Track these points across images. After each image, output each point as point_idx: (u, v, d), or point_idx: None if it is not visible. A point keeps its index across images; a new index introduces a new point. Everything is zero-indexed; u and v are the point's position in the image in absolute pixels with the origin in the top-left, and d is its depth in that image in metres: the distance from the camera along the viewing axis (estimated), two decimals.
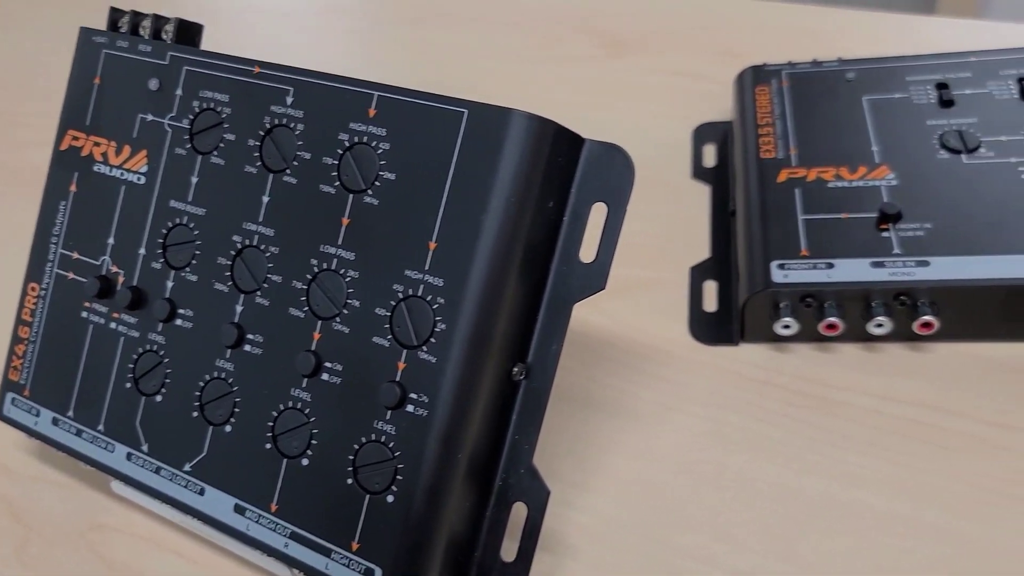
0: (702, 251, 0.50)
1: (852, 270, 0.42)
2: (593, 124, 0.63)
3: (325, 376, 0.35)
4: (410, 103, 0.35)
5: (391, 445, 0.34)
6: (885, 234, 0.43)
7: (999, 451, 0.39)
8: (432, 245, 0.34)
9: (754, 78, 0.55)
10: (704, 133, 0.57)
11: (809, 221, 0.45)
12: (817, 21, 0.67)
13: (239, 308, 0.37)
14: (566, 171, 0.35)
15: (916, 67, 0.52)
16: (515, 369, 0.35)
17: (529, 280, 0.35)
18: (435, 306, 0.34)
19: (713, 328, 0.46)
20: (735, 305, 0.46)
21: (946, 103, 0.50)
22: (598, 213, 0.35)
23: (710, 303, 0.47)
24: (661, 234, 0.52)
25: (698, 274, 0.49)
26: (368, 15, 0.78)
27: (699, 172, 0.55)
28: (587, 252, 0.36)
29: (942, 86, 0.51)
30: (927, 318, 0.41)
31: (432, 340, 0.34)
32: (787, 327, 0.43)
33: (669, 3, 0.71)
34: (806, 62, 0.55)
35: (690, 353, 0.45)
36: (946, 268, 0.41)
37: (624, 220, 0.35)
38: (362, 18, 0.78)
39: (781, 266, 0.43)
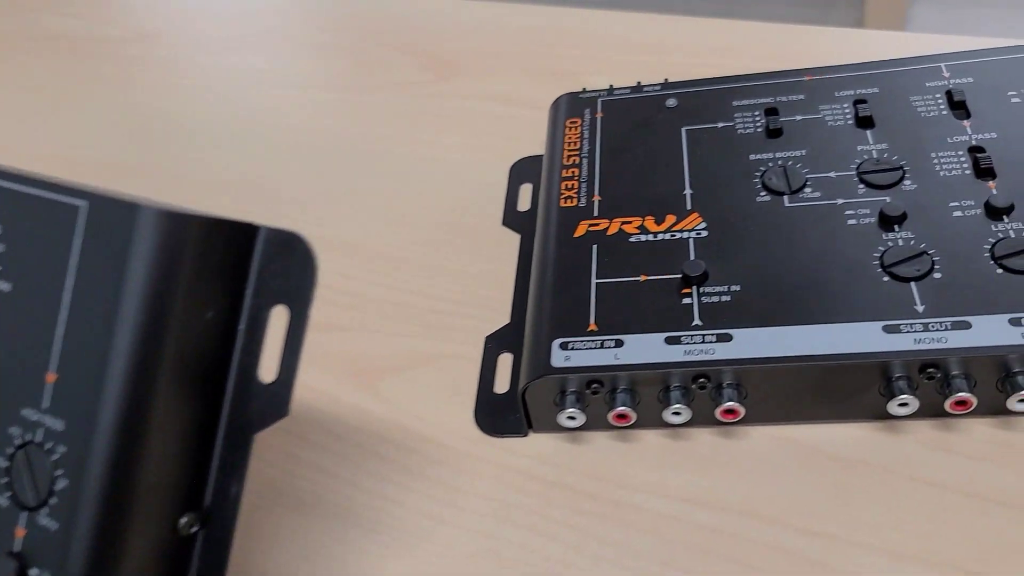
0: (502, 316, 0.43)
1: (644, 348, 0.35)
2: (411, 161, 0.56)
3: None
4: (21, 192, 0.27)
5: None
6: (686, 300, 0.37)
7: (809, 566, 0.32)
8: (51, 377, 0.27)
9: (567, 108, 0.48)
10: (521, 170, 0.50)
11: (603, 286, 0.38)
12: (682, 34, 0.60)
13: None
14: (232, 270, 0.28)
15: (745, 89, 0.46)
16: (183, 520, 0.28)
17: (194, 408, 0.28)
18: (55, 456, 0.26)
19: (501, 415, 0.39)
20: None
21: (773, 132, 0.43)
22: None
23: (503, 383, 0.40)
24: (459, 295, 0.45)
25: (493, 345, 0.42)
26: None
27: (511, 218, 0.48)
28: (271, 367, 0.29)
29: (771, 112, 0.44)
30: (730, 404, 0.34)
31: (53, 500, 0.26)
32: (572, 418, 0.36)
33: (507, 19, 0.64)
34: (627, 87, 0.48)
35: (473, 447, 0.38)
36: (751, 343, 0.35)
37: (307, 325, 0.28)
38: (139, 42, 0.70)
39: (564, 345, 0.36)
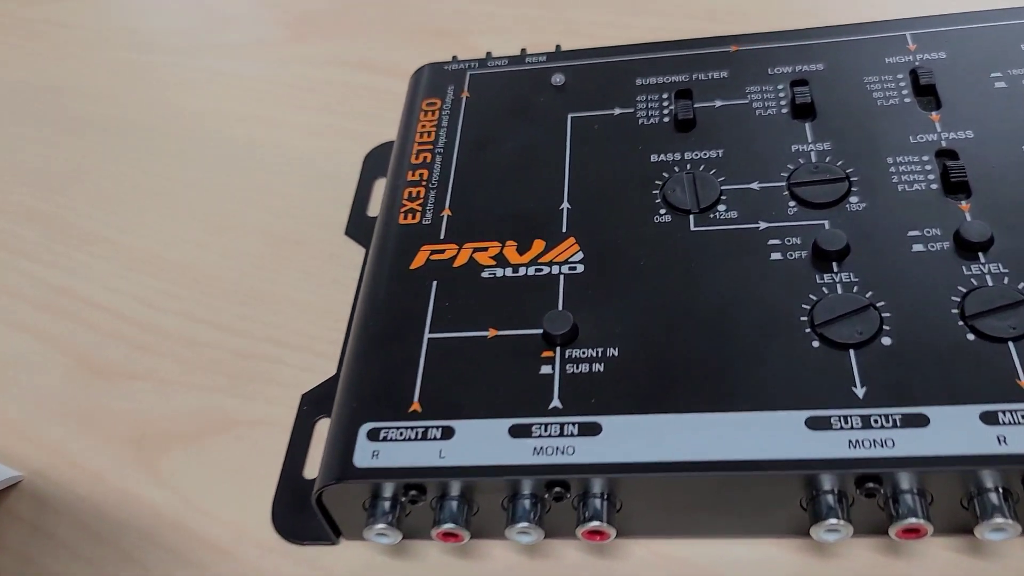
0: (329, 365, 0.33)
1: (480, 442, 0.25)
2: (239, 146, 0.42)
3: None
4: None
5: None
6: (546, 370, 0.27)
7: None
8: None
9: (429, 83, 0.37)
10: (379, 161, 0.40)
11: (437, 344, 0.28)
12: None
13: None
14: None
15: (654, 63, 0.35)
16: None
17: None
18: None
19: (307, 512, 0.29)
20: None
21: (684, 124, 0.33)
22: None
23: (316, 462, 0.30)
24: (279, 332, 0.34)
25: (310, 407, 0.32)
26: None
27: (356, 226, 0.38)
28: None
29: (683, 95, 0.34)
30: (595, 525, 0.25)
31: None
32: (383, 535, 0.26)
33: None
34: (505, 57, 0.37)
35: (268, 559, 0.29)
36: (625, 439, 0.25)
37: None
38: None
39: (374, 434, 0.26)
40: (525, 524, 0.25)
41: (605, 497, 0.25)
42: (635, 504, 0.25)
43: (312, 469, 0.30)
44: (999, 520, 0.23)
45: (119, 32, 0.52)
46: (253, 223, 0.39)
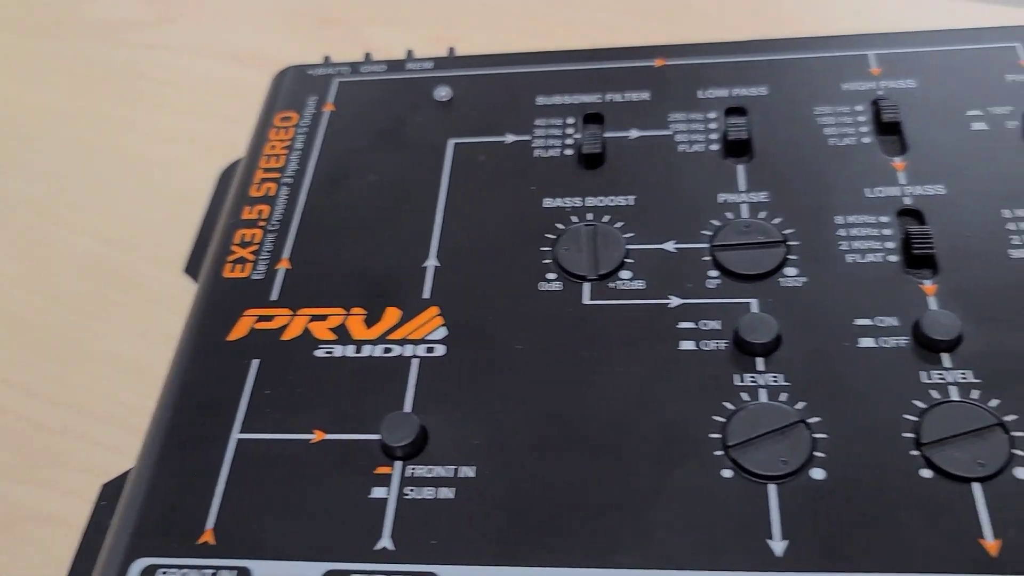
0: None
1: None
2: (73, 154, 0.35)
3: None
4: None
5: None
6: (379, 493, 0.21)
7: None
8: None
9: (291, 91, 0.30)
10: (232, 182, 0.33)
11: (248, 448, 0.22)
12: None
13: None
14: None
15: (560, 77, 0.29)
16: None
17: None
18: None
19: None
20: None
21: (591, 159, 0.26)
22: None
23: None
24: (88, 399, 0.28)
25: (110, 502, 0.25)
26: None
27: (198, 263, 0.31)
28: None
29: (593, 119, 0.27)
30: None
31: None
32: None
33: None
34: (383, 61, 0.30)
35: None
36: None
37: None
38: None
39: (150, 572, 0.20)
40: None
41: None
42: None
43: None
44: None
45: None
46: (78, 253, 0.32)
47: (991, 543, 0.18)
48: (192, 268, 0.31)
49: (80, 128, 0.36)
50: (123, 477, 0.26)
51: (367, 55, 0.31)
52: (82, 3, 0.43)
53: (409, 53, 0.31)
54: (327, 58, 0.31)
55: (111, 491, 0.25)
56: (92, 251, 0.32)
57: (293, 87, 0.30)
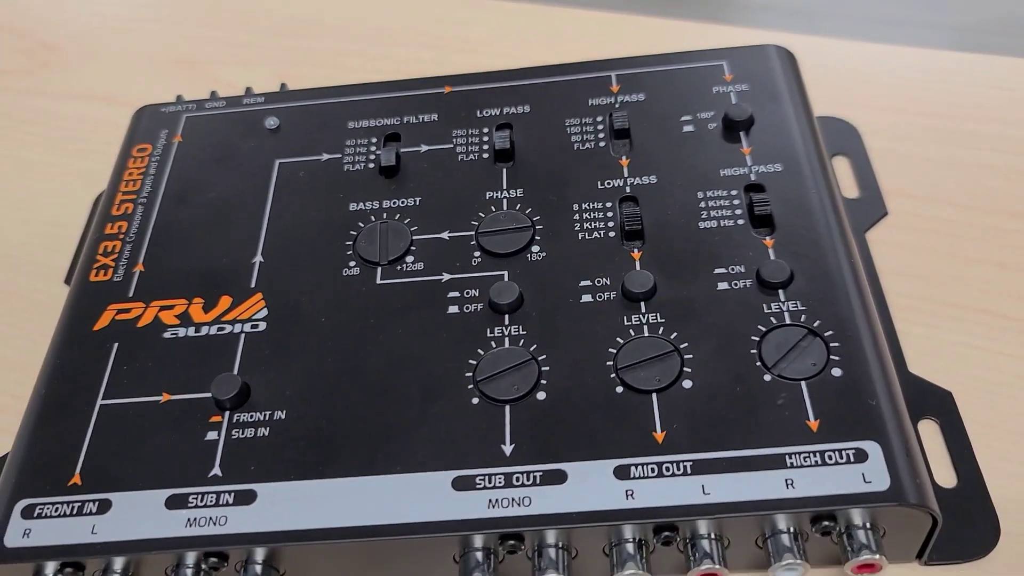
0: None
1: (135, 515, 0.25)
2: None
3: None
4: None
5: None
6: (211, 435, 0.26)
7: None
8: None
9: (146, 126, 0.36)
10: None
11: (109, 411, 0.27)
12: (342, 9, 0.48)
13: None
14: None
15: (367, 105, 0.35)
16: None
17: None
18: None
19: None
20: None
21: (388, 170, 0.33)
22: None
23: None
24: None
25: None
26: None
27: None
28: None
29: (392, 138, 0.34)
30: None
31: None
32: None
33: None
34: (224, 98, 0.36)
35: None
36: (278, 507, 0.25)
37: None
38: None
39: (29, 511, 0.26)
40: None
41: (264, 565, 0.25)
42: (301, 571, 0.25)
43: None
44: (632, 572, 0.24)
45: None
46: None
47: (659, 434, 0.25)
48: (71, 279, 0.36)
49: None
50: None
51: (212, 93, 0.37)
52: None
53: (248, 90, 0.37)
54: (179, 97, 0.37)
55: None
56: None
57: (148, 123, 0.36)
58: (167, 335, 0.29)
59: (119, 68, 0.45)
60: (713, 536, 0.24)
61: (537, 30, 0.44)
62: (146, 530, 0.25)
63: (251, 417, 0.27)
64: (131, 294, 0.30)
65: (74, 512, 0.25)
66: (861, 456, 0.24)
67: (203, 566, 0.25)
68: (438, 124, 0.34)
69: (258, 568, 0.25)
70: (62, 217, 0.38)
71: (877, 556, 0.23)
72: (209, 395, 0.27)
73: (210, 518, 0.25)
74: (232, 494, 0.25)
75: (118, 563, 0.25)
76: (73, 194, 0.39)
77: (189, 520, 0.25)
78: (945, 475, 0.27)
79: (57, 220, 0.38)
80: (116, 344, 0.29)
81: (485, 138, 0.33)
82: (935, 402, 0.29)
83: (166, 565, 0.25)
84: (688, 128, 0.32)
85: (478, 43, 0.43)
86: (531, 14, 0.46)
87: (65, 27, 0.48)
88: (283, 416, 0.27)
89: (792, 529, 0.24)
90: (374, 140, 0.34)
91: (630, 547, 0.24)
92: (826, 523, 0.24)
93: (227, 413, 0.27)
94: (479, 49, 0.42)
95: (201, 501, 0.25)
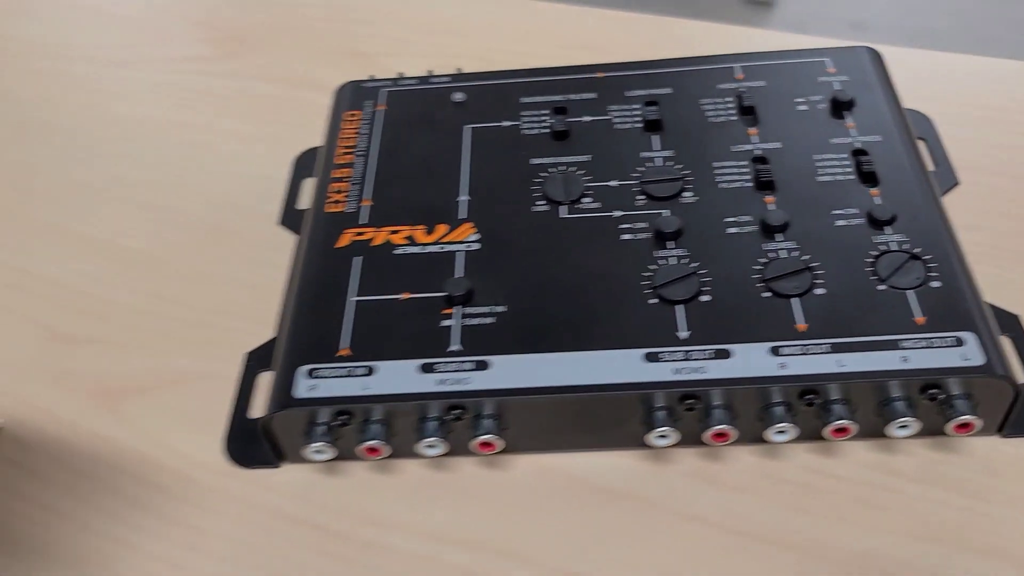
0: (269, 329, 0.40)
1: (396, 377, 0.33)
2: (179, 148, 0.49)
3: None
4: None
5: None
6: (446, 323, 0.34)
7: None
8: None
9: (350, 98, 0.44)
10: (306, 163, 0.46)
11: (362, 305, 0.35)
12: (483, 15, 0.56)
13: None
14: None
15: (535, 85, 0.43)
16: None
17: None
18: None
19: (254, 444, 0.35)
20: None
21: (559, 135, 0.41)
22: None
23: (260, 406, 0.37)
24: (223, 305, 0.41)
25: (254, 363, 0.38)
26: None
27: (289, 217, 0.44)
28: None
29: (560, 111, 0.42)
30: (487, 437, 0.32)
31: None
32: (320, 452, 0.33)
33: None
34: (415, 77, 0.45)
35: (221, 480, 0.35)
36: (509, 372, 0.32)
37: None
38: None
39: (312, 373, 0.33)
40: (432, 439, 0.32)
41: (494, 417, 0.32)
42: (517, 424, 0.33)
43: (257, 411, 0.37)
44: (782, 425, 0.31)
45: (56, 46, 0.57)
46: (194, 215, 0.45)
47: (802, 326, 0.32)
48: (286, 220, 0.44)
49: (181, 133, 0.49)
50: (261, 347, 0.39)
51: (400, 73, 0.45)
52: (156, 44, 0.56)
53: (429, 72, 0.45)
54: (371, 76, 0.45)
55: (253, 356, 0.39)
56: (205, 213, 0.45)
57: (352, 95, 0.44)
58: (397, 252, 0.37)
59: (293, 58, 0.53)
60: (843, 399, 0.31)
61: (636, 32, 0.53)
62: (408, 387, 0.32)
63: (477, 311, 0.34)
64: (364, 222, 0.38)
65: (347, 374, 0.33)
66: (959, 342, 0.31)
67: (445, 418, 0.32)
68: (597, 101, 0.42)
69: (487, 420, 0.32)
70: (266, 172, 0.46)
71: (972, 416, 0.31)
72: (439, 295, 0.35)
73: (456, 379, 0.32)
74: (471, 363, 0.33)
75: (378, 412, 0.32)
76: (273, 155, 0.47)
77: (439, 380, 0.32)
78: (1018, 376, 0.35)
79: (262, 174, 0.46)
80: (356, 258, 0.37)
81: (636, 113, 0.41)
82: (1006, 322, 0.36)
83: (415, 416, 0.33)
84: (802, 107, 0.40)
85: (596, 45, 0.52)
86: (632, 21, 0.54)
87: (250, 17, 0.56)
88: (503, 310, 0.34)
89: (905, 395, 0.31)
90: (545, 112, 0.42)
91: (781, 409, 0.32)
92: (933, 390, 0.31)
93: (458, 307, 0.34)
94: (599, 47, 0.51)
95: (447, 368, 0.33)
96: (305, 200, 0.45)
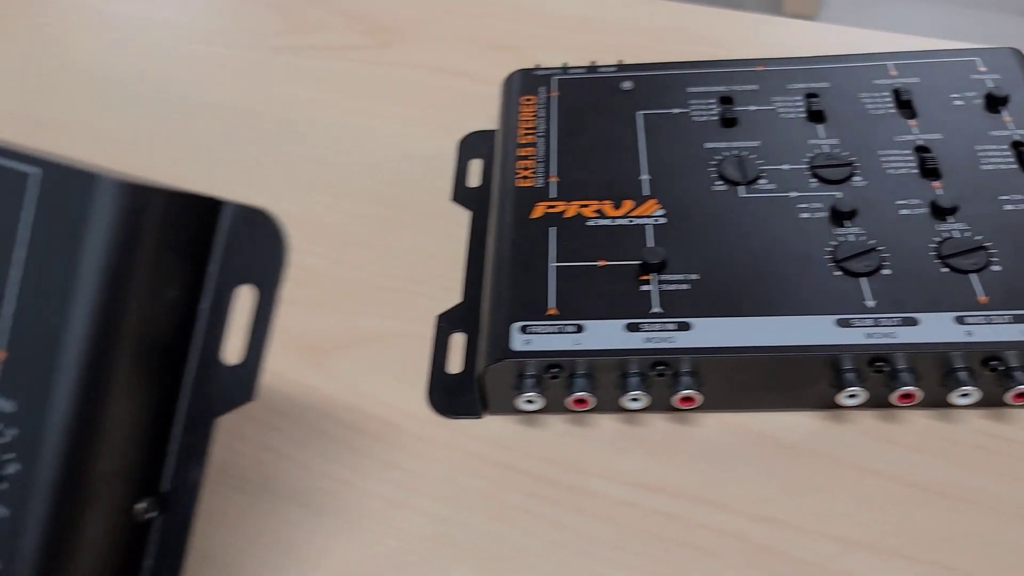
0: (453, 295, 0.42)
1: (604, 335, 0.35)
2: (350, 130, 0.55)
3: None
4: None
5: None
6: (645, 288, 0.37)
7: (761, 552, 0.33)
8: None
9: (521, 84, 0.47)
10: (471, 145, 0.50)
11: (562, 270, 0.38)
12: (617, 13, 0.59)
13: None
14: (196, 247, 0.26)
15: (699, 76, 0.46)
16: (140, 506, 0.27)
17: (153, 390, 0.26)
18: (5, 439, 0.25)
19: (456, 396, 0.38)
20: (476, 371, 0.38)
21: (728, 122, 0.43)
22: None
23: (456, 363, 0.40)
24: (408, 272, 0.44)
25: (445, 324, 0.41)
26: None
27: (460, 194, 0.47)
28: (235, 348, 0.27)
29: (726, 100, 0.45)
30: (688, 392, 0.35)
31: (2, 485, 0.25)
32: (530, 402, 0.36)
33: None
34: (581, 66, 0.47)
35: (427, 428, 0.38)
36: (710, 333, 0.35)
37: (276, 305, 0.27)
38: None
39: (524, 329, 0.36)
40: (637, 392, 0.35)
41: (693, 374, 0.35)
42: (713, 382, 0.35)
43: (453, 366, 0.39)
44: (966, 388, 0.34)
45: (217, 32, 0.60)
46: (370, 191, 0.48)
47: (983, 299, 0.35)
48: (458, 197, 0.47)
49: (348, 115, 0.52)
50: (451, 310, 0.42)
51: (564, 63, 0.48)
52: (308, 32, 0.59)
53: (592, 63, 0.48)
54: (537, 65, 0.48)
55: (445, 318, 0.41)
56: (379, 189, 0.48)
57: (524, 81, 0.47)
58: (589, 223, 0.39)
59: (445, 49, 0.56)
60: None
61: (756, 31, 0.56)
62: (616, 343, 0.35)
63: (672, 277, 0.37)
64: (554, 196, 0.41)
65: (558, 331, 0.36)
66: None
67: (648, 374, 0.35)
68: (760, 92, 0.45)
69: (688, 378, 0.35)
70: (433, 152, 0.49)
71: None
72: (633, 262, 0.37)
73: (662, 338, 0.35)
74: (674, 324, 0.35)
75: (586, 367, 0.35)
76: (437, 137, 0.50)
77: (646, 339, 0.35)
78: None
79: (430, 155, 0.49)
80: (553, 228, 0.39)
81: (799, 104, 0.44)
82: None
83: (620, 372, 0.35)
84: (958, 103, 0.43)
85: (718, 40, 0.55)
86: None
87: (399, 11, 0.60)
88: (696, 278, 0.37)
89: None
90: (711, 102, 0.44)
91: (965, 374, 0.34)
92: None
93: (654, 274, 0.37)
94: (721, 43, 0.54)
95: (651, 328, 0.35)
96: (473, 179, 0.48)
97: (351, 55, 0.57)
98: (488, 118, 0.51)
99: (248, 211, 0.27)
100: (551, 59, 0.50)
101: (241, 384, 0.27)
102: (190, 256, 0.26)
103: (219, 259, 0.27)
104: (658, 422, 0.37)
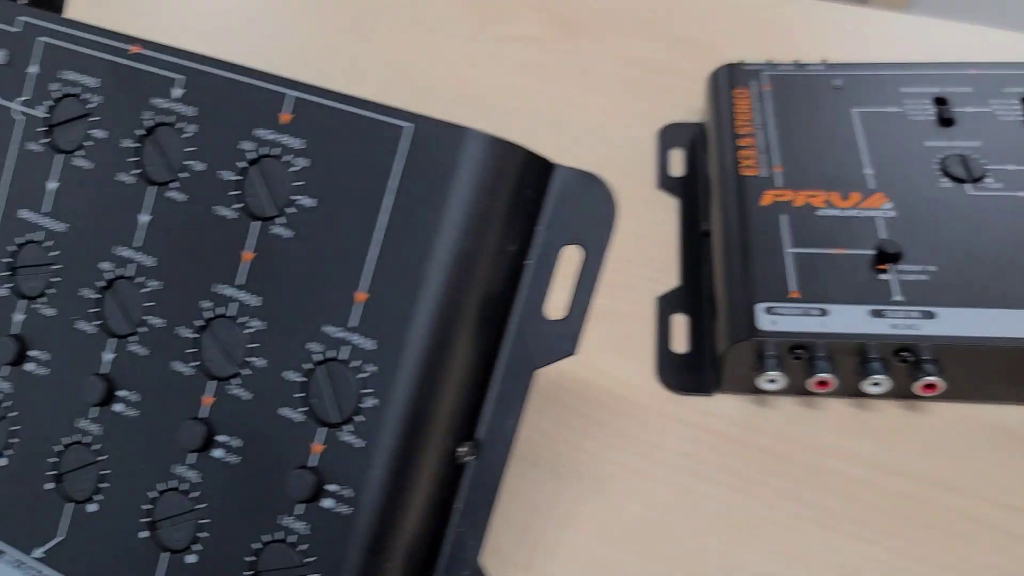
0: (668, 277, 0.44)
1: (849, 319, 0.36)
2: (550, 116, 0.57)
3: (217, 453, 0.28)
4: (337, 110, 0.27)
5: (302, 548, 0.26)
6: (883, 276, 0.38)
7: (1010, 539, 0.34)
8: (360, 296, 0.26)
9: (730, 78, 0.48)
10: (671, 136, 0.51)
11: (798, 256, 0.39)
12: (773, 11, 0.60)
13: (108, 356, 0.29)
14: (532, 206, 0.28)
15: (910, 77, 0.47)
16: (461, 449, 0.28)
17: (482, 339, 0.28)
18: (363, 375, 0.26)
19: (685, 374, 0.40)
20: (710, 350, 0.39)
21: (946, 121, 0.44)
22: (569, 259, 0.28)
23: (679, 342, 0.41)
24: (620, 254, 0.45)
25: (666, 306, 0.42)
26: None
27: (665, 182, 0.48)
28: (555, 306, 0.29)
29: (941, 101, 0.45)
30: (931, 379, 0.35)
31: (359, 418, 0.26)
32: (772, 381, 0.37)
33: None
34: (788, 63, 0.48)
35: (657, 403, 0.39)
36: (955, 322, 0.36)
37: (602, 266, 0.28)
38: None
39: (769, 310, 0.37)
40: (879, 376, 0.36)
41: (935, 361, 0.36)
42: (954, 371, 0.36)
43: (677, 346, 0.41)
44: None
45: (424, 19, 0.63)
46: None
47: None
48: (665, 184, 0.48)
49: (547, 102, 0.54)
50: (670, 292, 0.43)
51: (768, 59, 0.49)
52: (495, 23, 0.61)
53: (795, 61, 0.49)
54: (741, 61, 0.49)
55: (664, 300, 0.43)
56: None
57: (732, 76, 0.48)
58: (819, 213, 0.40)
59: (632, 43, 0.58)
60: None
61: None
62: (861, 328, 0.36)
63: (910, 268, 0.38)
64: (779, 185, 0.42)
65: (803, 313, 0.37)
66: None
67: (891, 359, 0.36)
68: (975, 95, 0.45)
69: (932, 365, 0.36)
70: (631, 141, 0.51)
71: None
72: (867, 252, 0.38)
73: (907, 325, 0.36)
74: (918, 312, 0.36)
75: (824, 350, 0.36)
76: (633, 125, 0.51)
77: (892, 325, 0.36)
78: None
79: (628, 143, 0.51)
80: (782, 216, 0.40)
81: (1016, 108, 0.44)
82: None
83: (863, 356, 0.36)
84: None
85: (885, 41, 0.55)
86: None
87: (580, 4, 0.61)
88: (935, 269, 0.38)
89: None
90: (926, 102, 0.45)
91: None
92: None
93: (891, 265, 0.38)
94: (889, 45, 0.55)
95: (896, 315, 0.36)
96: (675, 168, 0.49)
97: (539, 47, 0.59)
98: (681, 110, 0.52)
99: (580, 175, 0.28)
100: (730, 55, 0.50)
101: (564, 338, 0.28)
102: (526, 212, 0.28)
103: (548, 219, 0.28)
104: (887, 408, 0.38)
